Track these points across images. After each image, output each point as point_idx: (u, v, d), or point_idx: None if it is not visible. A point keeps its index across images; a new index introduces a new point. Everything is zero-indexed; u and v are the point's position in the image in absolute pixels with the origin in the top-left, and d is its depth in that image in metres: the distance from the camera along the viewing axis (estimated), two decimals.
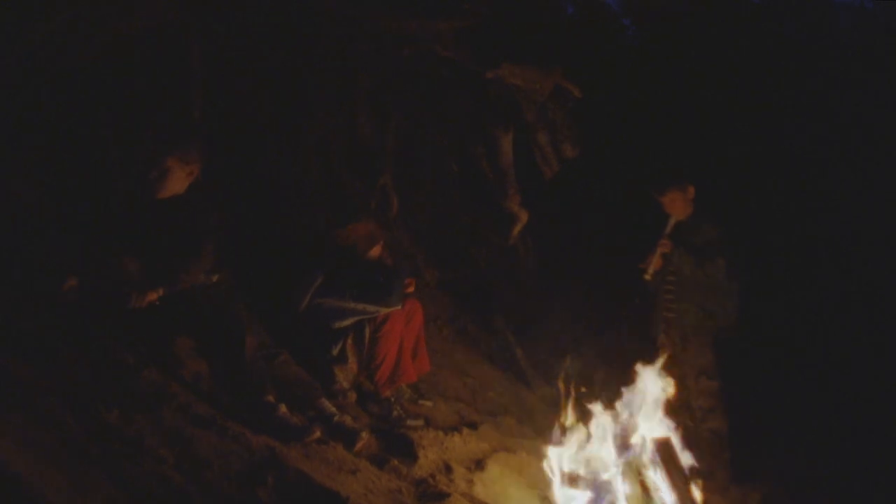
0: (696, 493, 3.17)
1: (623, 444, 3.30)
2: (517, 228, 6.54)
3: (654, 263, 4.63)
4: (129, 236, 3.42)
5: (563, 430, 3.65)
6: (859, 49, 7.92)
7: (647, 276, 4.68)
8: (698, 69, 7.59)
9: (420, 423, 4.26)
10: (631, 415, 3.39)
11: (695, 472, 3.29)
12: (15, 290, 3.10)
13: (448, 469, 3.73)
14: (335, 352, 4.17)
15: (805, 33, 8.13)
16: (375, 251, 4.51)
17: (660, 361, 3.51)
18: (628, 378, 3.52)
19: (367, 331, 4.24)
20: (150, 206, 3.49)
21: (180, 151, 3.50)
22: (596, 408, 3.48)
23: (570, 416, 3.67)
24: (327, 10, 4.87)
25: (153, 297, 3.31)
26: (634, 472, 3.17)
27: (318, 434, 3.29)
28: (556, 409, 4.67)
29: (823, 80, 7.36)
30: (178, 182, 3.52)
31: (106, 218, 3.54)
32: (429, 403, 4.71)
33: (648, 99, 7.36)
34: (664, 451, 3.19)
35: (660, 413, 3.40)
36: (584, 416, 3.55)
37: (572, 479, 3.27)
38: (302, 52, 4.97)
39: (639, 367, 3.51)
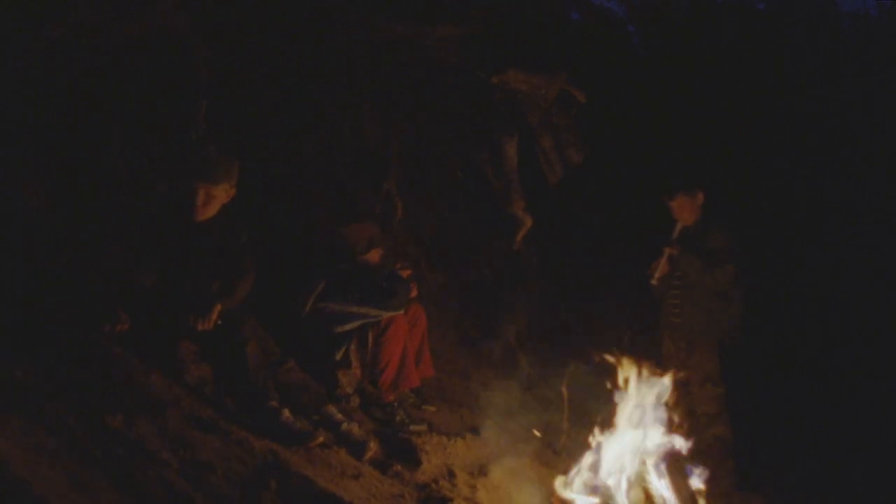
0: (700, 501, 3.17)
1: (628, 450, 3.30)
2: (521, 233, 6.55)
3: (661, 269, 4.62)
4: (172, 258, 3.44)
5: (569, 437, 3.64)
6: (865, 56, 7.91)
7: (654, 282, 4.67)
8: (703, 75, 7.59)
9: (423, 427, 4.26)
10: (636, 422, 3.38)
11: (699, 480, 3.28)
12: (19, 293, 3.11)
13: (451, 474, 3.73)
14: (339, 356, 4.17)
15: (810, 40, 8.12)
16: (375, 254, 4.51)
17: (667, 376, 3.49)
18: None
19: (371, 335, 4.24)
20: (188, 227, 3.50)
21: (230, 178, 3.51)
22: (600, 413, 3.47)
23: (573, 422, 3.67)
24: (333, 15, 4.88)
25: (215, 316, 3.33)
26: (639, 479, 3.17)
27: (321, 438, 3.29)
28: (559, 414, 4.68)
29: (828, 87, 7.35)
30: (219, 205, 3.54)
31: (146, 239, 3.52)
32: (432, 408, 4.72)
33: (653, 104, 7.36)
34: (669, 458, 3.19)
35: (666, 420, 3.39)
36: (589, 423, 3.54)
37: (577, 486, 3.26)
38: (307, 57, 4.98)
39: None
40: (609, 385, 3.50)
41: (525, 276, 6.78)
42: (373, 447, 3.55)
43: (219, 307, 3.35)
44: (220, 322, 3.34)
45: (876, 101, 7.09)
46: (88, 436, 2.41)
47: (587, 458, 3.38)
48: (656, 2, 8.68)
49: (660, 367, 3.63)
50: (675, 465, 3.16)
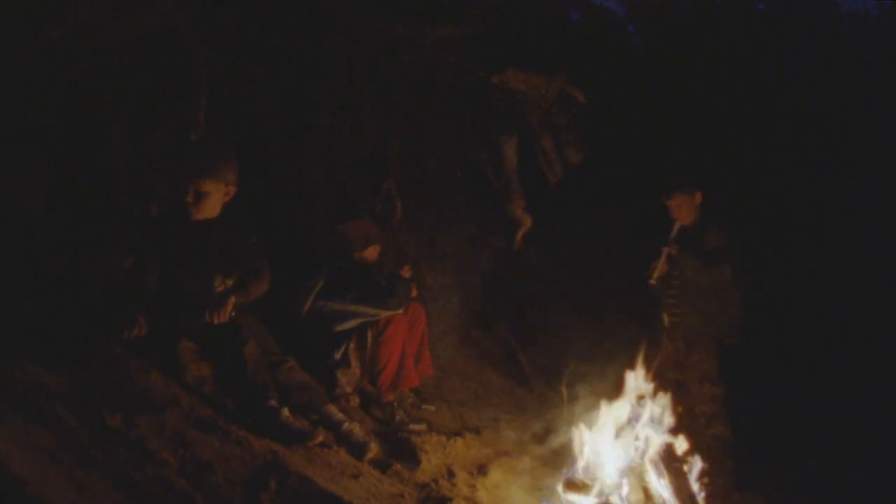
0: (700, 500, 3.17)
1: (627, 450, 3.30)
2: (521, 233, 6.56)
3: (660, 268, 4.62)
4: (173, 258, 3.43)
5: (569, 436, 3.64)
6: (865, 56, 7.91)
7: (652, 282, 4.68)
8: (703, 75, 7.59)
9: (423, 427, 4.26)
10: (635, 421, 3.38)
11: (699, 479, 3.29)
12: (19, 293, 3.11)
13: (451, 474, 3.73)
14: (338, 356, 4.17)
15: (810, 40, 8.12)
16: (373, 252, 4.52)
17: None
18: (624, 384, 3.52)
19: (370, 335, 4.24)
20: (188, 227, 3.49)
21: (220, 174, 3.49)
22: (600, 413, 3.47)
23: (574, 421, 3.67)
24: (333, 15, 4.88)
25: (230, 309, 3.35)
26: (638, 478, 3.17)
27: (320, 438, 3.29)
28: (559, 414, 4.68)
29: (828, 87, 7.35)
30: (217, 204, 3.52)
31: (147, 238, 3.52)
32: (431, 408, 4.72)
33: (653, 104, 7.36)
34: (668, 457, 3.19)
35: (665, 419, 3.40)
36: (588, 422, 3.54)
37: (576, 485, 3.26)
38: (307, 57, 4.98)
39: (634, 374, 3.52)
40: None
41: (524, 276, 6.78)
42: (374, 448, 3.55)
43: (233, 300, 3.38)
44: (233, 314, 3.37)
45: (876, 101, 7.09)
46: (88, 436, 2.41)
47: (586, 458, 3.38)
48: (656, 2, 8.69)
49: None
50: (674, 464, 3.16)
